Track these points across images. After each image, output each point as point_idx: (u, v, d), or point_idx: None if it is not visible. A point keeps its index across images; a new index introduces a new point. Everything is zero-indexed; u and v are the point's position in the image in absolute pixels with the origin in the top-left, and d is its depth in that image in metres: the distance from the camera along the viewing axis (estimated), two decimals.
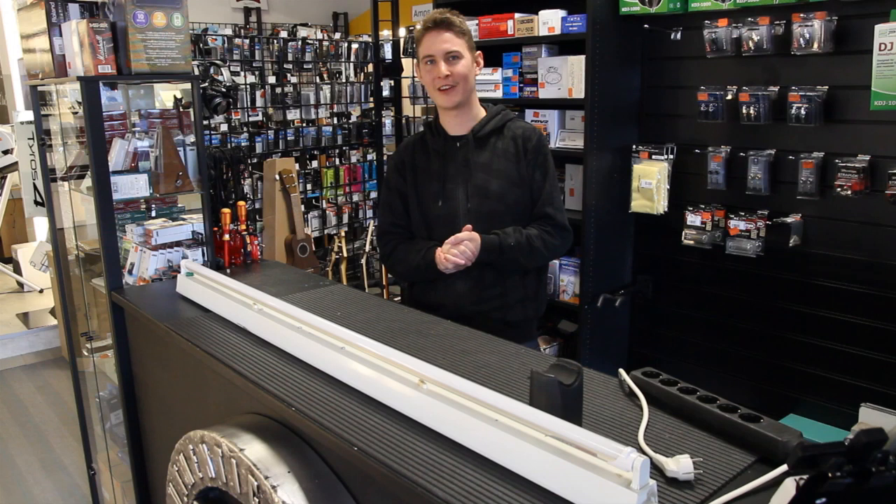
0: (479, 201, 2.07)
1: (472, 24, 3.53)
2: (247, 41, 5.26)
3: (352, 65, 5.84)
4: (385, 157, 5.52)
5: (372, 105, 5.53)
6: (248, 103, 5.01)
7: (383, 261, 2.26)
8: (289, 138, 5.22)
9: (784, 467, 1.06)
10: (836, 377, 2.58)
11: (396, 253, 2.17)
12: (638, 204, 2.93)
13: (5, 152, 5.38)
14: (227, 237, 2.35)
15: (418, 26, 2.09)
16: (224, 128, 4.92)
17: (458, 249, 1.99)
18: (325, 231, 5.37)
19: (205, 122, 4.30)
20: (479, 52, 2.12)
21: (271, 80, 5.30)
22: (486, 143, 2.10)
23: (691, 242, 2.80)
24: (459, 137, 2.11)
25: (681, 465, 1.11)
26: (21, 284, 6.06)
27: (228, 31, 6.77)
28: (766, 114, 2.56)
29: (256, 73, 5.27)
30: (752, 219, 2.65)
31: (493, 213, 2.07)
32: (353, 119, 5.66)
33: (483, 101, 2.20)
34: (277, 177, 4.54)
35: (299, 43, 5.50)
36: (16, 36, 3.25)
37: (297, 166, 4.94)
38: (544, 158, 2.12)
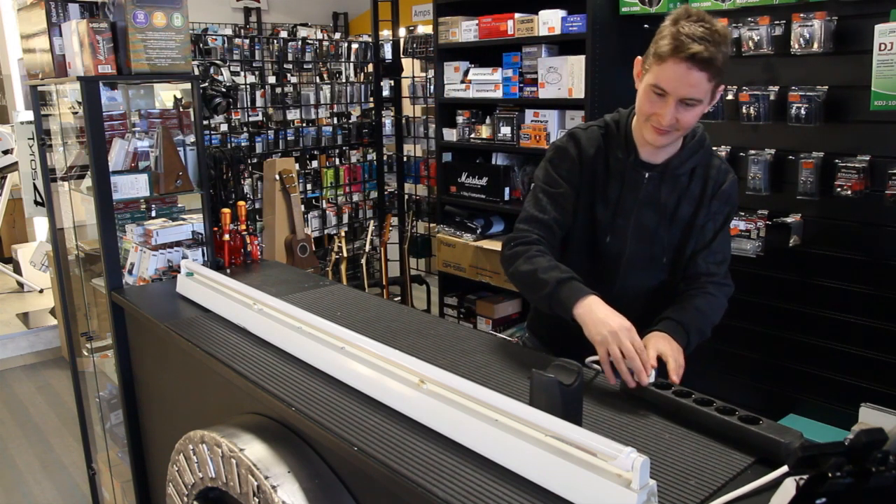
0: (646, 246, 1.71)
1: (471, 24, 3.53)
2: (247, 41, 5.26)
3: (352, 65, 5.84)
4: (385, 157, 5.52)
5: (372, 105, 5.53)
6: (248, 103, 5.01)
7: (504, 250, 1.71)
8: (289, 138, 5.21)
9: (784, 468, 1.06)
10: (836, 377, 2.58)
11: (527, 250, 1.65)
12: None
13: (5, 152, 5.38)
14: (227, 237, 2.36)
15: (667, 31, 1.51)
16: (224, 128, 4.92)
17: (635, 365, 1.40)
18: (325, 231, 5.37)
19: (205, 122, 4.31)
20: (722, 86, 1.60)
21: (271, 80, 5.30)
22: (679, 180, 1.69)
23: None
24: (652, 167, 1.68)
25: None
26: (21, 284, 6.06)
27: (228, 31, 6.77)
28: (766, 114, 2.56)
29: (256, 73, 5.26)
30: (752, 219, 2.65)
31: (654, 258, 1.72)
32: (353, 119, 5.66)
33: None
34: (277, 177, 4.54)
35: (299, 43, 5.50)
36: (16, 36, 3.25)
37: (297, 166, 4.94)
38: (727, 209, 1.74)
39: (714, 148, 2.69)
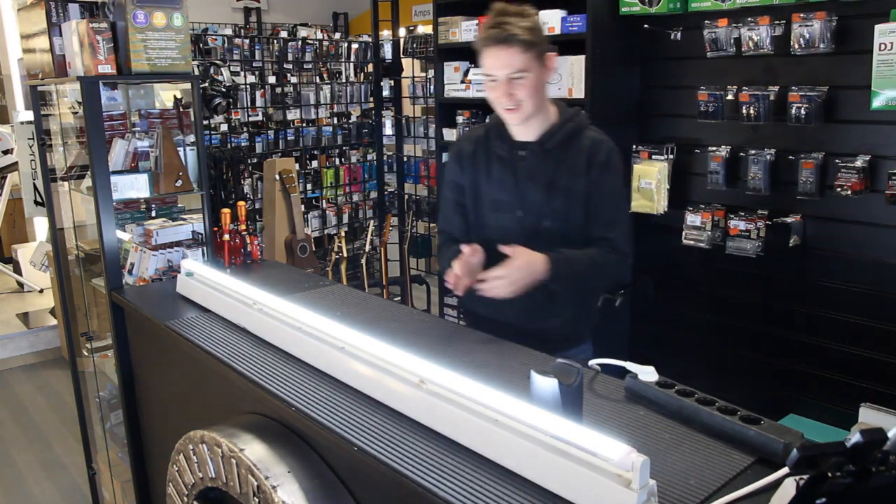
0: (536, 218, 1.87)
1: (471, 25, 3.53)
2: (247, 41, 5.26)
3: (352, 65, 5.84)
4: (385, 157, 5.52)
5: (372, 105, 5.52)
6: (248, 103, 5.01)
7: (437, 253, 2.11)
8: (289, 138, 5.22)
9: (785, 469, 1.06)
10: (836, 377, 2.58)
11: (442, 249, 2.03)
12: (638, 204, 2.93)
13: (5, 152, 5.38)
14: (227, 237, 2.35)
15: (479, 34, 1.81)
16: (224, 128, 4.92)
17: (495, 284, 1.74)
18: (325, 231, 5.37)
19: (205, 122, 4.31)
20: (551, 53, 1.83)
21: (271, 80, 5.29)
22: (552, 153, 1.86)
23: (691, 242, 2.80)
24: (525, 144, 1.88)
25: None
26: (21, 284, 6.06)
27: (228, 31, 6.76)
28: (766, 114, 2.56)
29: (256, 73, 5.26)
30: (752, 219, 2.65)
31: (554, 232, 1.86)
32: (353, 119, 5.66)
33: (552, 100, 1.93)
34: (277, 177, 4.54)
35: (299, 43, 5.50)
36: (16, 36, 3.25)
37: (297, 166, 4.94)
38: (609, 176, 1.87)
39: (713, 148, 2.72)
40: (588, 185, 1.84)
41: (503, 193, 1.90)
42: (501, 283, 1.73)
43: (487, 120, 1.97)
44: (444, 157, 3.90)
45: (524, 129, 1.87)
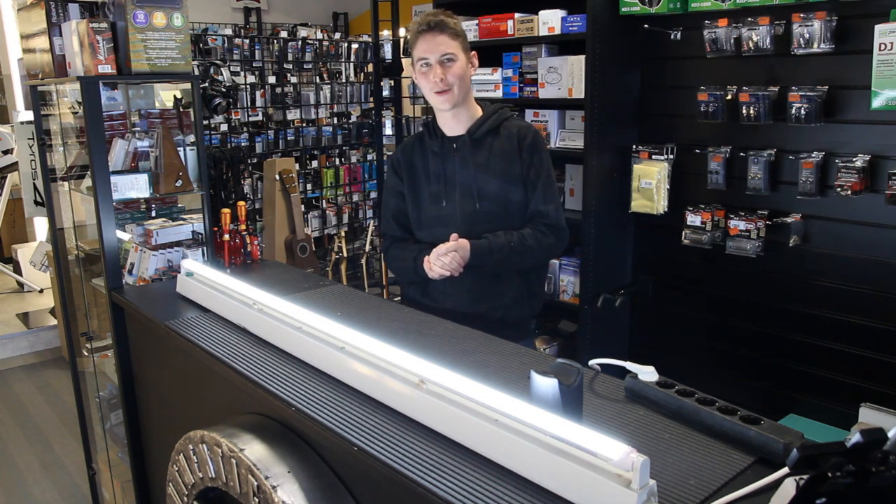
0: (476, 202, 2.07)
1: (471, 24, 3.53)
2: (247, 41, 5.27)
3: (352, 65, 5.85)
4: (385, 157, 5.53)
5: (372, 105, 5.53)
6: (248, 103, 5.01)
7: (384, 257, 2.28)
8: (289, 138, 5.22)
9: (785, 469, 1.06)
10: (836, 377, 2.58)
11: (390, 252, 2.21)
12: (638, 204, 2.93)
13: (5, 152, 5.38)
14: (227, 237, 2.35)
15: (411, 27, 2.07)
16: (224, 128, 4.92)
17: (445, 260, 1.98)
18: (325, 231, 5.37)
19: (205, 122, 4.31)
20: (473, 52, 2.09)
21: (271, 80, 5.30)
22: (482, 142, 2.09)
23: (691, 242, 2.80)
24: (456, 138, 2.10)
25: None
26: (21, 284, 6.06)
27: (228, 31, 6.76)
28: (766, 114, 2.56)
29: (256, 73, 5.27)
30: (752, 219, 2.65)
31: (492, 214, 2.07)
32: (353, 119, 5.66)
33: (480, 100, 2.17)
34: (277, 177, 4.54)
35: (299, 43, 5.50)
36: (16, 36, 3.25)
37: (297, 166, 4.94)
38: (539, 156, 2.09)
39: (713, 148, 2.72)
40: (522, 166, 2.07)
41: (440, 185, 2.10)
42: (453, 259, 1.98)
43: (420, 129, 2.23)
44: None
45: (454, 123, 2.09)
